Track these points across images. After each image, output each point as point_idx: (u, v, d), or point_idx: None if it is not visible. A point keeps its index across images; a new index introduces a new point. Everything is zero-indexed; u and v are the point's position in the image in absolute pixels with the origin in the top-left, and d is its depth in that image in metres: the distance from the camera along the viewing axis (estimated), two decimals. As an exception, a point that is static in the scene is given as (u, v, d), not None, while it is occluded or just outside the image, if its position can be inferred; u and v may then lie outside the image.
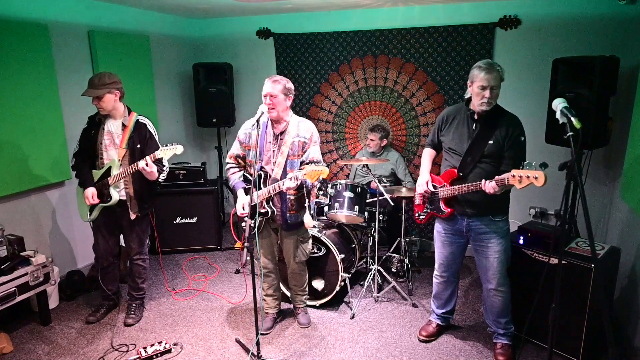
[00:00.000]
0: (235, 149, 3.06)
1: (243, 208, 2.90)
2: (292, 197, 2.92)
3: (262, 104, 2.79)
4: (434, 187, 2.86)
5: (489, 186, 2.50)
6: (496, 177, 2.49)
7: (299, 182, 2.68)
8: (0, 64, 3.23)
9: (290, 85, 2.87)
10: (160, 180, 3.13)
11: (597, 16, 3.73)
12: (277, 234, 3.11)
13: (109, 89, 2.98)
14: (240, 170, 3.07)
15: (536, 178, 2.31)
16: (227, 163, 3.11)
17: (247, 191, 2.95)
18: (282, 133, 2.90)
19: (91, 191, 3.08)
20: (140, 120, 3.14)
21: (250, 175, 2.99)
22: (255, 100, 4.99)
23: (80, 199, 3.24)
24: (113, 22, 4.18)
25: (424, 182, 2.87)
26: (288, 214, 2.95)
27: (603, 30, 3.72)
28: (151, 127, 3.17)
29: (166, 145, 2.96)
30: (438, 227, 2.99)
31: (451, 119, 2.82)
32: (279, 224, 3.02)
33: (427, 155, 3.01)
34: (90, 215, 3.18)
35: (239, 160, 3.07)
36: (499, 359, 2.85)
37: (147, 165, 2.91)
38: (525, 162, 2.42)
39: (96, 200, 3.08)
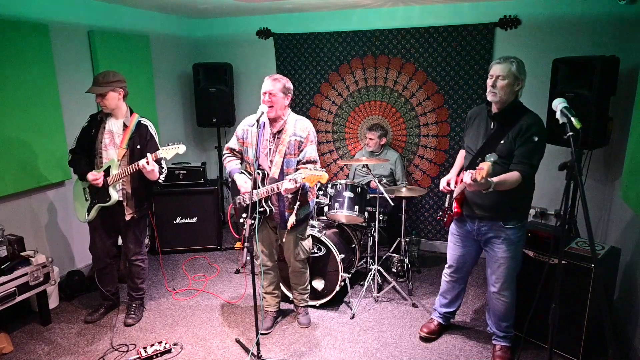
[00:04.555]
0: (232, 143, 3.08)
1: (246, 183, 2.90)
2: (289, 196, 2.93)
3: (262, 103, 2.80)
4: (454, 187, 2.83)
5: (465, 180, 2.40)
6: (472, 171, 2.36)
7: (298, 185, 2.68)
8: (0, 64, 3.23)
9: (290, 84, 2.89)
10: (160, 180, 3.13)
11: (597, 16, 3.73)
12: (276, 232, 3.12)
13: (112, 87, 2.98)
14: (236, 159, 3.09)
15: (482, 169, 2.23)
16: (224, 154, 3.14)
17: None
18: (279, 132, 2.91)
19: (93, 173, 3.03)
20: (142, 122, 3.14)
21: (250, 173, 2.99)
22: (255, 100, 4.98)
23: (77, 199, 3.23)
24: (113, 22, 4.18)
25: (444, 180, 2.84)
26: (286, 213, 2.95)
27: (603, 30, 3.72)
28: (152, 129, 3.17)
29: (168, 145, 2.95)
30: (452, 227, 2.96)
31: (474, 118, 2.79)
32: (277, 223, 3.02)
33: (460, 155, 2.99)
34: (88, 215, 3.16)
35: (235, 153, 3.10)
36: None
37: (147, 163, 2.90)
38: (488, 155, 2.31)
39: (101, 176, 3.00)
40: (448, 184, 2.82)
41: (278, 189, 2.77)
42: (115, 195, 3.08)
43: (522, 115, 2.55)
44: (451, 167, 3.05)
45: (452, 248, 2.98)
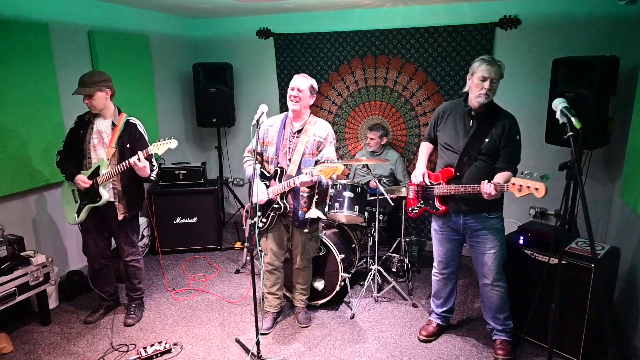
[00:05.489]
0: (252, 145, 3.09)
1: (262, 193, 2.90)
2: (305, 195, 2.96)
3: (262, 103, 2.82)
4: (430, 183, 2.86)
5: (486, 191, 2.49)
6: (495, 183, 2.48)
7: (314, 178, 2.72)
8: (0, 64, 3.23)
9: (316, 86, 3.01)
10: (152, 177, 3.11)
11: (597, 16, 3.73)
12: (288, 230, 3.14)
13: (99, 87, 2.97)
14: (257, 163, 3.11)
15: (537, 189, 2.31)
16: (244, 157, 3.19)
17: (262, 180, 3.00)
18: (299, 131, 2.97)
19: (80, 177, 3.02)
20: (130, 121, 3.12)
21: (268, 172, 3.02)
22: (255, 100, 4.99)
23: (65, 201, 3.20)
24: (113, 22, 4.18)
25: (419, 173, 2.88)
26: (300, 211, 2.98)
27: (603, 30, 3.72)
28: (141, 128, 3.16)
29: (159, 141, 2.94)
30: (434, 224, 3.01)
31: (447, 115, 2.84)
32: (290, 221, 3.05)
33: (425, 148, 3.05)
34: (77, 217, 3.12)
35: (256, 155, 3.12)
36: (499, 353, 2.86)
37: (139, 160, 2.89)
38: (526, 172, 2.43)
39: (88, 183, 3.00)
40: (423, 177, 2.86)
41: (294, 183, 2.82)
42: (105, 194, 3.06)
43: (500, 114, 2.67)
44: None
45: (438, 245, 3.03)
